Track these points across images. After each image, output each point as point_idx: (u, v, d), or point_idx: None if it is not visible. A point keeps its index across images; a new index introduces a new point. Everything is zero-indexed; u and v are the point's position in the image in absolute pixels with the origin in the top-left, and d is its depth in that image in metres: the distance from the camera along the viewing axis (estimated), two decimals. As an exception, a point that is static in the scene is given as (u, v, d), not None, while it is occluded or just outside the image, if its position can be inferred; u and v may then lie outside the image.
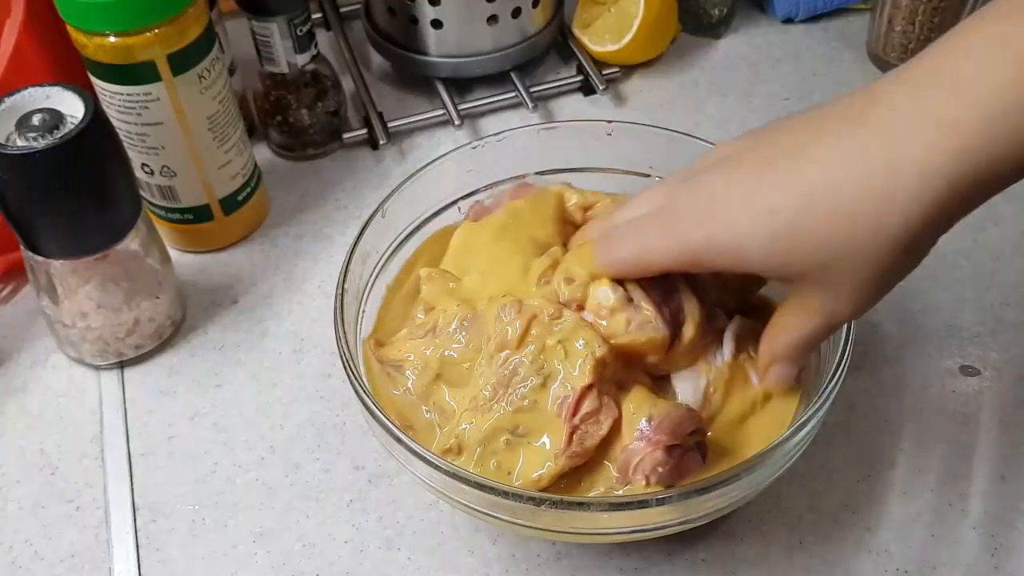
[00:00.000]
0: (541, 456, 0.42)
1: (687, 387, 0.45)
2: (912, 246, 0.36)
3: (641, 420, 0.42)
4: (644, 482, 0.41)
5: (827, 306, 0.39)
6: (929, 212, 0.35)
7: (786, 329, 0.42)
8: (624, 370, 0.44)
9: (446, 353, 0.45)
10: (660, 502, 0.40)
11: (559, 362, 0.42)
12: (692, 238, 0.39)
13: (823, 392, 0.43)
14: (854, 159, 0.36)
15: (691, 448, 0.42)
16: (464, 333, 0.45)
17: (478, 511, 0.42)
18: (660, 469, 0.41)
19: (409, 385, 0.46)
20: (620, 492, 0.42)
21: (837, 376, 0.43)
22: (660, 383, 0.45)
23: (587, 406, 0.42)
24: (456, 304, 0.45)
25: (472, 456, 0.43)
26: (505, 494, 0.40)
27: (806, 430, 0.42)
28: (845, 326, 0.44)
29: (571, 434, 0.42)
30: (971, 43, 0.35)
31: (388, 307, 0.51)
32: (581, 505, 0.40)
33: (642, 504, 0.40)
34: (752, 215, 0.37)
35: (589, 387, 0.42)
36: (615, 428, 0.42)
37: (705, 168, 0.41)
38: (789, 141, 0.38)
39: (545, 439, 0.42)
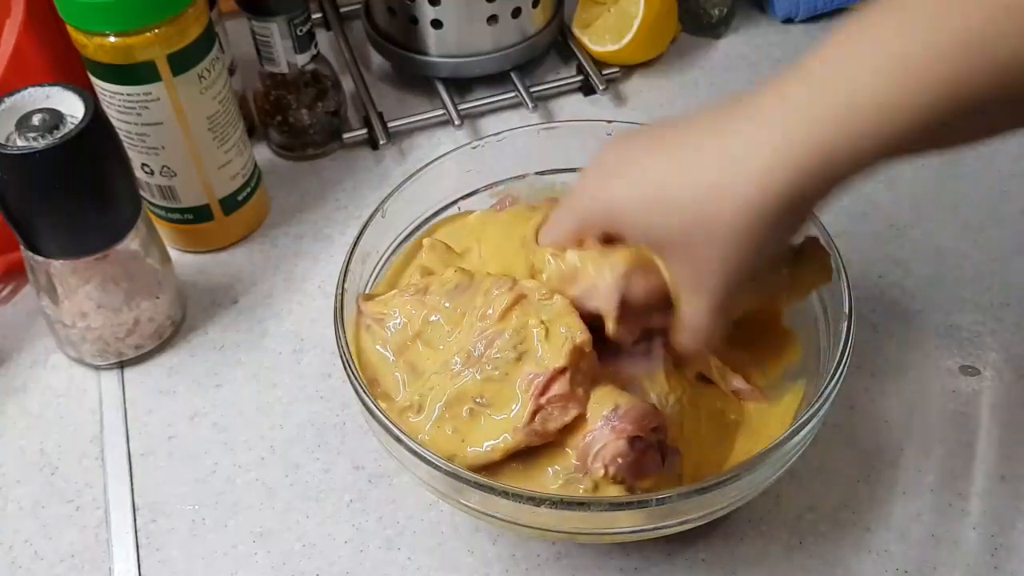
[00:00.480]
0: (499, 428, 0.42)
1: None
2: (762, 225, 0.38)
3: (607, 408, 0.42)
4: (603, 472, 0.41)
5: (691, 276, 0.41)
6: (775, 198, 0.37)
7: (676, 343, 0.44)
8: (598, 367, 0.44)
9: (432, 318, 0.45)
10: (660, 502, 0.40)
11: (539, 341, 0.43)
12: (583, 205, 0.44)
13: (823, 392, 0.43)
14: (721, 140, 0.38)
15: (652, 445, 0.42)
16: (454, 300, 0.45)
17: (478, 511, 0.42)
18: (620, 460, 0.41)
19: (388, 338, 0.46)
20: (580, 479, 0.42)
21: (837, 376, 0.43)
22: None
23: (556, 388, 0.42)
24: (454, 271, 0.46)
25: (430, 417, 0.43)
26: (505, 494, 0.40)
27: (806, 430, 0.42)
28: (845, 326, 0.44)
29: (535, 412, 0.42)
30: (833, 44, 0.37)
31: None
32: (581, 505, 0.40)
33: (642, 504, 0.40)
34: (630, 182, 0.41)
35: (562, 370, 0.42)
36: (580, 416, 0.42)
37: (606, 148, 0.44)
38: (681, 127, 0.41)
39: (507, 413, 0.42)
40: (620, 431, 0.41)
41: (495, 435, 0.42)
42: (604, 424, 0.41)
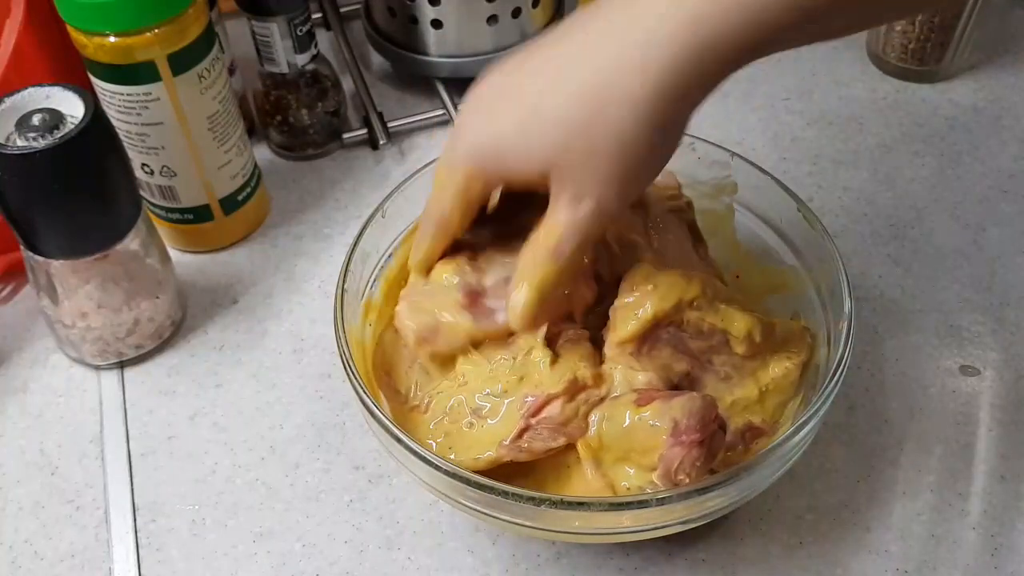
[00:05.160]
0: (486, 441, 0.43)
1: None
2: (646, 119, 0.36)
3: (666, 428, 0.41)
4: (689, 479, 0.41)
5: (576, 196, 0.39)
6: (658, 82, 0.35)
7: (537, 237, 0.41)
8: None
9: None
10: (660, 502, 0.40)
11: (543, 366, 0.43)
12: (465, 154, 0.41)
13: (823, 392, 0.43)
14: (592, 41, 0.37)
15: (717, 429, 0.42)
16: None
17: (478, 511, 0.42)
18: (698, 463, 0.41)
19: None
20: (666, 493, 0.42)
21: (837, 376, 0.43)
22: None
23: (548, 412, 0.42)
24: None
25: (433, 418, 0.44)
26: (505, 494, 0.40)
27: (806, 430, 0.42)
28: (845, 326, 0.44)
29: (523, 431, 0.42)
30: None
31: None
32: (581, 505, 0.40)
33: (642, 504, 0.40)
34: (505, 113, 0.39)
35: (557, 396, 0.42)
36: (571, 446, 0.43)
37: (475, 87, 0.42)
38: (546, 42, 0.40)
39: (497, 428, 0.43)
40: (691, 443, 0.41)
41: (481, 448, 0.43)
42: (673, 443, 0.41)
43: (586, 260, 0.44)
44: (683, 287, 0.44)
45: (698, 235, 0.51)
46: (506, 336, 0.44)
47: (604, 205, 0.39)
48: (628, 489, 0.42)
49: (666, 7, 0.35)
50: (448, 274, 0.45)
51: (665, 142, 0.39)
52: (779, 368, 0.46)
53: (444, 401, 0.44)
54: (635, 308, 0.44)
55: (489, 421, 0.43)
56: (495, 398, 0.43)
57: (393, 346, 0.48)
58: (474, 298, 0.44)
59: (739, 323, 0.44)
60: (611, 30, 0.37)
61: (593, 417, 0.43)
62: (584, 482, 0.43)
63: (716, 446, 0.42)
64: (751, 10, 0.34)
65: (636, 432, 0.42)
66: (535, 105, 0.38)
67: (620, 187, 0.39)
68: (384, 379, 0.47)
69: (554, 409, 0.42)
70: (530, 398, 0.43)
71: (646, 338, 0.44)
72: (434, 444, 0.44)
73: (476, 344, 0.44)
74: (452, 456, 0.43)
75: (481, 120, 0.40)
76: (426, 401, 0.45)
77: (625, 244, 0.47)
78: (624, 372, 0.44)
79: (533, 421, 0.42)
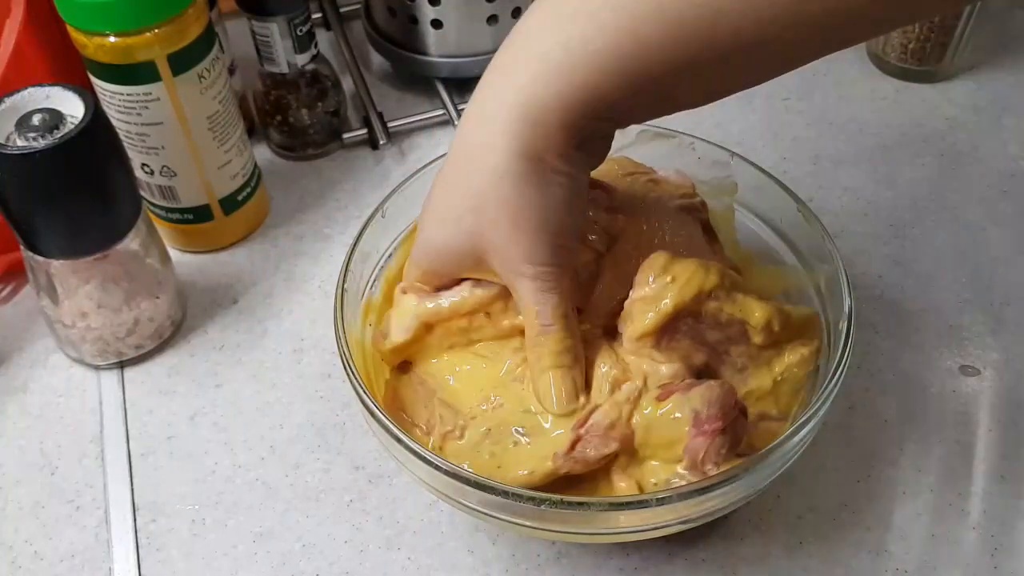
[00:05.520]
0: (538, 454, 0.42)
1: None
2: (516, 175, 0.39)
3: (687, 419, 0.41)
4: (716, 467, 0.41)
5: (515, 274, 0.42)
6: (505, 142, 0.39)
7: (527, 336, 0.44)
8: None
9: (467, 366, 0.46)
10: (660, 502, 0.40)
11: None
12: (416, 246, 0.45)
13: (823, 392, 0.43)
14: (459, 139, 0.42)
15: (738, 415, 0.42)
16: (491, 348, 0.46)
17: (478, 511, 0.42)
18: (723, 450, 0.41)
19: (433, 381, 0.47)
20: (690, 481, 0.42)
21: (837, 376, 0.43)
22: None
23: (594, 419, 0.42)
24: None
25: (471, 442, 0.44)
26: (505, 494, 0.40)
27: (806, 430, 0.42)
28: (845, 326, 0.44)
29: (574, 442, 0.42)
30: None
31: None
32: (581, 505, 0.40)
33: (642, 504, 0.40)
34: (432, 216, 0.44)
35: (600, 404, 0.42)
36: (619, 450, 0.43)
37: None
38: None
39: (547, 441, 0.43)
40: (713, 432, 0.41)
41: (533, 462, 0.42)
42: (696, 434, 0.41)
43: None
44: (702, 277, 0.43)
45: (712, 234, 0.51)
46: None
47: (541, 267, 0.41)
48: (656, 485, 0.42)
49: (508, 84, 0.39)
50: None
51: (551, 182, 0.40)
52: (793, 356, 0.45)
53: (481, 425, 0.44)
54: (654, 301, 0.43)
55: (535, 438, 0.43)
56: (537, 415, 0.43)
57: (405, 387, 0.48)
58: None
59: (758, 313, 0.44)
60: (474, 105, 0.41)
61: (636, 418, 0.42)
62: (610, 484, 0.43)
63: (740, 432, 0.42)
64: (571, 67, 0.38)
65: (659, 427, 0.41)
66: (440, 205, 0.43)
67: (542, 242, 0.41)
68: (398, 415, 0.47)
69: (599, 416, 0.42)
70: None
71: (665, 331, 0.43)
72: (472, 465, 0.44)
73: (429, 327, 0.46)
74: (505, 474, 0.42)
75: (423, 225, 0.45)
76: (460, 426, 0.44)
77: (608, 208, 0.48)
78: (649, 364, 0.43)
79: (582, 431, 0.42)
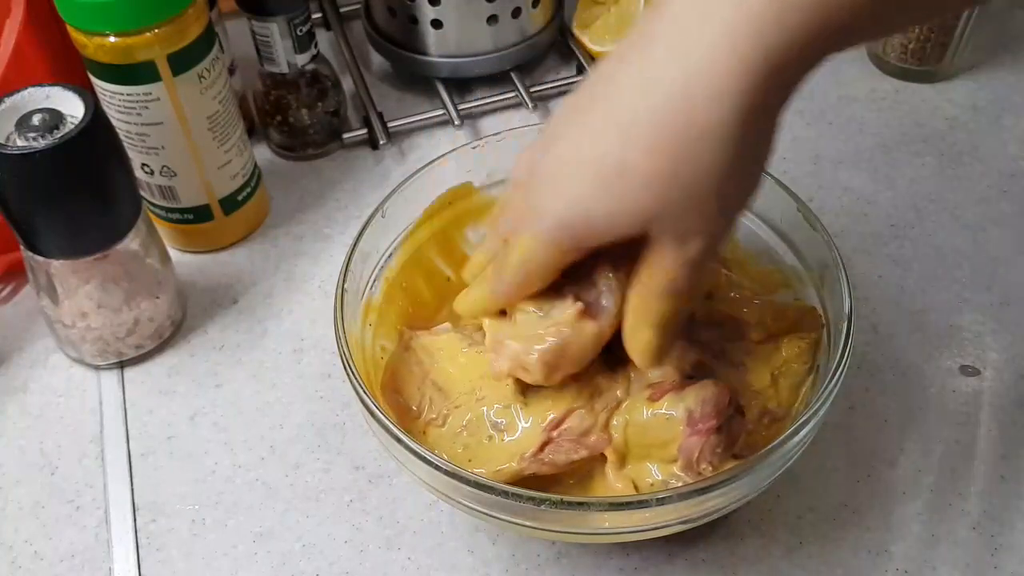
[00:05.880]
0: (508, 453, 0.43)
1: None
2: (738, 141, 0.33)
3: (681, 418, 0.41)
4: (712, 467, 0.41)
5: (681, 236, 0.36)
6: (738, 104, 0.33)
7: (643, 279, 0.38)
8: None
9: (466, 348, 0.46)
10: (660, 502, 0.40)
11: None
12: (551, 224, 0.37)
13: (823, 392, 0.42)
14: (653, 79, 0.34)
15: (733, 413, 0.42)
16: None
17: (478, 511, 0.42)
18: (719, 449, 0.41)
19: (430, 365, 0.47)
20: (687, 482, 0.42)
21: (837, 376, 0.43)
22: None
23: (569, 423, 0.42)
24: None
25: (451, 431, 0.44)
26: (505, 494, 0.40)
27: (806, 430, 0.42)
28: (845, 326, 0.44)
29: (544, 444, 0.42)
30: None
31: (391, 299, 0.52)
32: (581, 505, 0.40)
33: (642, 504, 0.40)
34: (587, 175, 0.35)
35: (577, 408, 0.42)
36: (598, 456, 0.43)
37: (549, 134, 0.38)
38: (601, 81, 0.36)
39: (519, 441, 0.43)
40: (707, 430, 0.41)
41: (502, 460, 0.43)
42: (690, 433, 0.41)
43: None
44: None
45: None
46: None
47: (715, 238, 0.36)
48: (652, 486, 0.42)
49: (720, 33, 0.32)
50: (529, 306, 0.42)
51: (760, 142, 0.35)
52: (790, 350, 0.45)
53: (462, 415, 0.44)
54: None
55: (508, 436, 0.43)
56: (514, 412, 0.43)
57: (403, 365, 0.48)
58: (585, 310, 0.41)
59: (752, 310, 0.44)
60: (679, 40, 0.33)
61: (615, 422, 0.42)
62: (606, 485, 0.43)
63: (735, 431, 0.42)
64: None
65: (653, 427, 0.42)
66: (619, 161, 0.34)
67: (727, 215, 0.37)
68: (393, 397, 0.47)
69: (574, 420, 0.42)
70: (551, 414, 0.43)
71: None
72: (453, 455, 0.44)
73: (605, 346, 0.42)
74: (473, 469, 0.42)
75: (562, 187, 0.36)
76: (444, 414, 0.45)
77: None
78: (636, 370, 0.43)
79: (555, 434, 0.42)
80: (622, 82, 0.35)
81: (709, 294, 0.44)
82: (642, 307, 0.38)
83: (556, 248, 0.38)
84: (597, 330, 0.40)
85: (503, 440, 0.43)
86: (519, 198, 0.39)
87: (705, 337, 0.44)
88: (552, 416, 0.43)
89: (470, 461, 0.43)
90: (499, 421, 0.43)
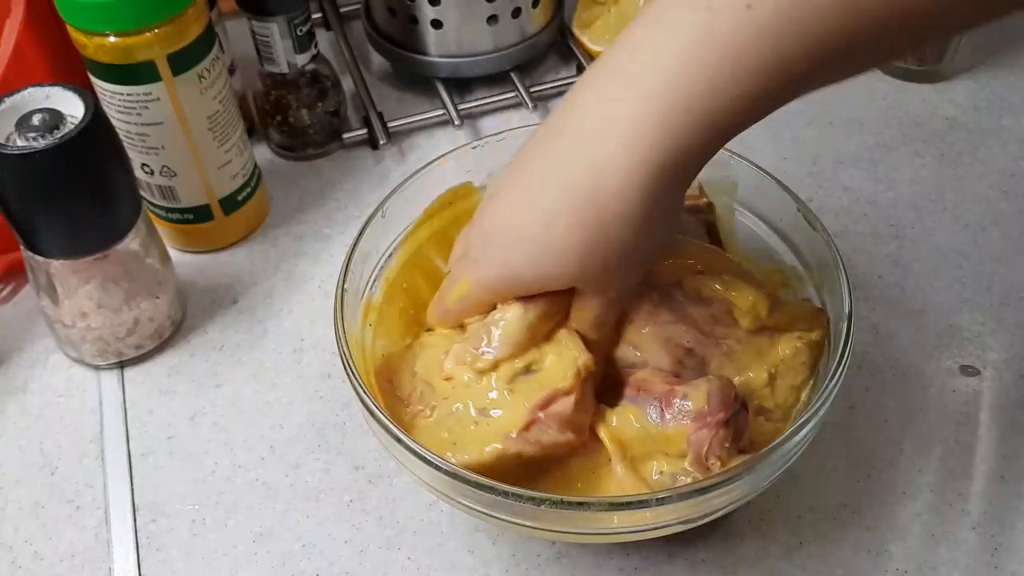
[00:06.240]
0: (492, 434, 0.43)
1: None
2: (643, 221, 0.39)
3: (690, 412, 0.41)
4: (720, 462, 0.41)
5: (597, 291, 0.43)
6: (642, 196, 0.38)
7: (580, 320, 0.45)
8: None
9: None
10: (660, 502, 0.40)
11: (549, 363, 0.43)
12: (487, 278, 0.44)
13: (823, 392, 0.42)
14: (567, 172, 0.39)
15: (740, 407, 0.42)
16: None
17: (478, 511, 0.42)
18: (726, 444, 0.41)
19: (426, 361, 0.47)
20: (695, 478, 0.42)
21: (837, 376, 0.43)
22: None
23: (558, 407, 0.42)
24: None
25: (436, 424, 0.44)
26: (505, 494, 0.40)
27: (806, 430, 0.42)
28: (845, 326, 0.44)
29: (529, 423, 0.42)
30: (640, 36, 0.37)
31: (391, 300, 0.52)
32: (581, 505, 0.40)
33: (642, 504, 0.40)
34: (518, 249, 0.42)
35: (568, 391, 0.42)
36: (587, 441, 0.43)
37: (483, 207, 0.45)
38: (527, 162, 0.42)
39: (503, 421, 0.43)
40: (716, 424, 0.41)
41: (488, 441, 0.43)
42: (699, 427, 0.41)
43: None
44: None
45: (716, 236, 0.51)
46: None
47: (626, 290, 0.44)
48: (660, 481, 0.42)
49: (620, 133, 0.37)
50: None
51: (665, 216, 0.40)
52: (788, 348, 0.45)
53: (449, 406, 0.44)
54: None
55: (494, 414, 0.43)
56: (501, 398, 0.43)
57: (401, 358, 0.48)
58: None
59: (744, 294, 0.45)
60: (586, 140, 0.38)
61: (617, 420, 0.43)
62: (615, 482, 0.43)
63: (741, 425, 0.42)
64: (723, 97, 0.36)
65: (658, 425, 0.42)
66: (544, 241, 0.40)
67: (639, 271, 0.43)
68: (386, 385, 0.47)
69: (562, 404, 0.42)
70: (540, 392, 0.43)
71: (643, 298, 0.45)
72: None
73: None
74: (456, 452, 0.43)
75: (497, 252, 0.43)
76: (432, 405, 0.45)
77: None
78: (626, 351, 0.44)
79: (541, 415, 0.42)
80: (542, 171, 0.41)
81: (700, 271, 0.45)
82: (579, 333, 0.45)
83: (492, 296, 0.44)
84: (521, 311, 0.44)
85: (489, 424, 0.43)
86: (466, 244, 0.45)
87: (695, 314, 0.44)
88: (541, 394, 0.43)
89: (455, 444, 0.43)
90: (487, 407, 0.44)
